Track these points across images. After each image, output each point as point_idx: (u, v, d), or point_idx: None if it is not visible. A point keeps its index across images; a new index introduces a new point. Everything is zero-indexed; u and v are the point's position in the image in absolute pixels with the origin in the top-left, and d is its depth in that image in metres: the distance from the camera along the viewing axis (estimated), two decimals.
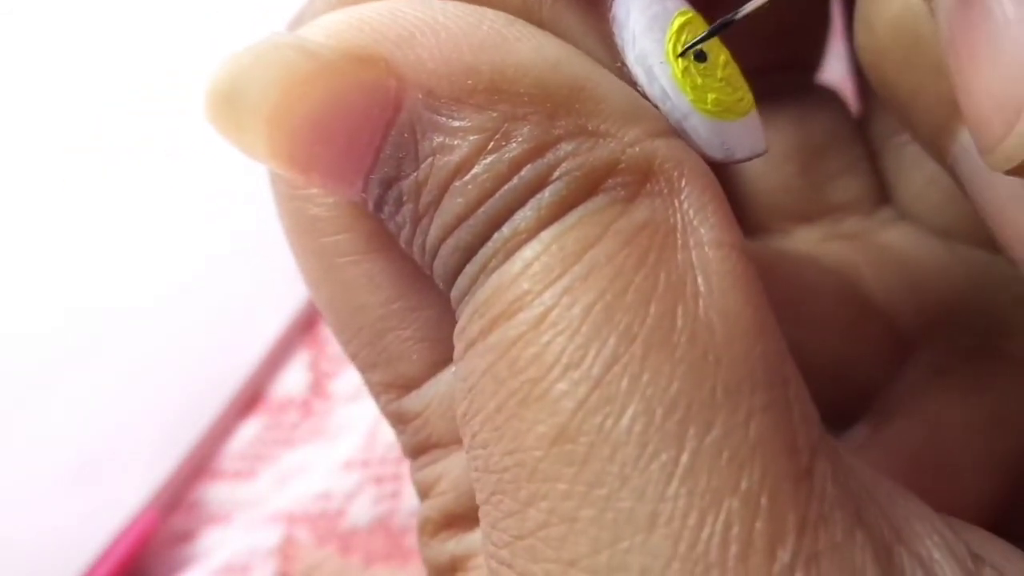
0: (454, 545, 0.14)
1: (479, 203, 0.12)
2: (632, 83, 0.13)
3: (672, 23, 0.13)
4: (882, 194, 0.20)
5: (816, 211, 0.20)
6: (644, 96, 0.13)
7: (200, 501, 0.26)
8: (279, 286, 0.29)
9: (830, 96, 0.21)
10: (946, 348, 0.18)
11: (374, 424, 0.27)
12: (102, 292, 0.29)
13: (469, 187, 0.11)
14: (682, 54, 0.13)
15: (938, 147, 0.13)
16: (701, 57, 0.13)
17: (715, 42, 0.13)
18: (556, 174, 0.11)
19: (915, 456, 0.16)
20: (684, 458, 0.10)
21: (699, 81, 0.13)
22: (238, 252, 0.30)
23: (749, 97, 0.13)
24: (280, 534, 0.25)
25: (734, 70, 0.13)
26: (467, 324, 0.12)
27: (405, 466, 0.27)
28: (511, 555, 0.11)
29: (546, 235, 0.11)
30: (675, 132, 0.13)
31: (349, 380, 0.29)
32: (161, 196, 0.31)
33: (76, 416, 0.27)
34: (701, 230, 0.11)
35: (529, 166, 0.11)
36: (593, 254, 0.11)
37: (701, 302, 0.11)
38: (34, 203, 0.32)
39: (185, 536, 0.26)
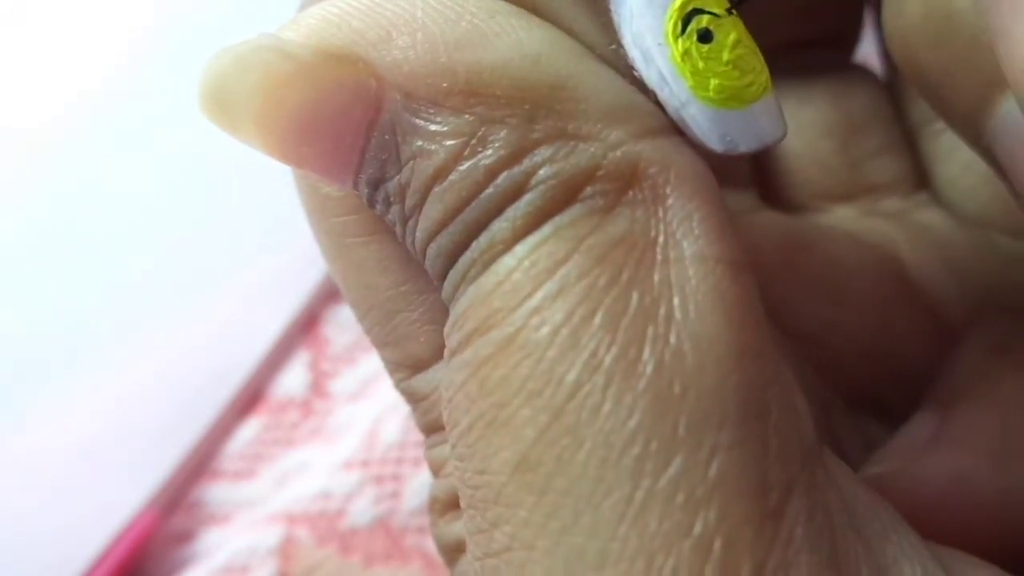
0: (460, 526, 0.14)
1: (457, 211, 0.11)
2: (629, 67, 0.12)
3: None
4: (921, 177, 0.19)
5: (854, 190, 0.19)
6: (641, 82, 0.12)
7: (200, 501, 0.26)
8: (279, 286, 0.29)
9: (867, 75, 0.20)
10: (998, 327, 0.17)
11: (374, 424, 0.27)
12: (102, 292, 0.29)
13: (447, 194, 0.11)
14: (684, 31, 0.12)
15: (973, 127, 0.13)
16: (706, 37, 0.12)
17: (727, 19, 0.12)
18: (533, 182, 0.11)
19: (995, 447, 0.15)
20: (638, 497, 0.10)
21: (701, 65, 0.12)
22: (238, 252, 0.30)
23: (762, 80, 0.12)
24: (280, 534, 0.25)
25: (746, 50, 0.12)
26: (449, 332, 0.12)
27: (405, 466, 0.27)
28: (481, 569, 0.11)
29: (520, 249, 0.11)
30: (667, 130, 0.12)
31: (349, 380, 0.29)
32: (160, 195, 0.31)
33: (76, 416, 0.27)
34: (684, 243, 0.11)
35: (505, 173, 0.11)
36: (565, 271, 0.11)
37: (674, 326, 0.10)
38: (33, 201, 0.31)
39: (185, 536, 0.26)
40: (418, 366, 0.14)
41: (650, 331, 0.10)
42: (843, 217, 0.19)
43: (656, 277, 0.11)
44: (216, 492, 0.27)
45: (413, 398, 0.15)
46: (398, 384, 0.15)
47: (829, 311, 0.17)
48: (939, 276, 0.18)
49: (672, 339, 0.10)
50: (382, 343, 0.14)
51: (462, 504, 0.12)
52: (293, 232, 0.30)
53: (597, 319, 0.10)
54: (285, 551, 0.25)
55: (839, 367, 0.17)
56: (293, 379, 0.29)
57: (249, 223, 0.31)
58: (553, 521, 0.10)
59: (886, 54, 0.20)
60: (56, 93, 0.34)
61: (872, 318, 0.17)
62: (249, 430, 0.28)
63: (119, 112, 0.33)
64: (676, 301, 0.10)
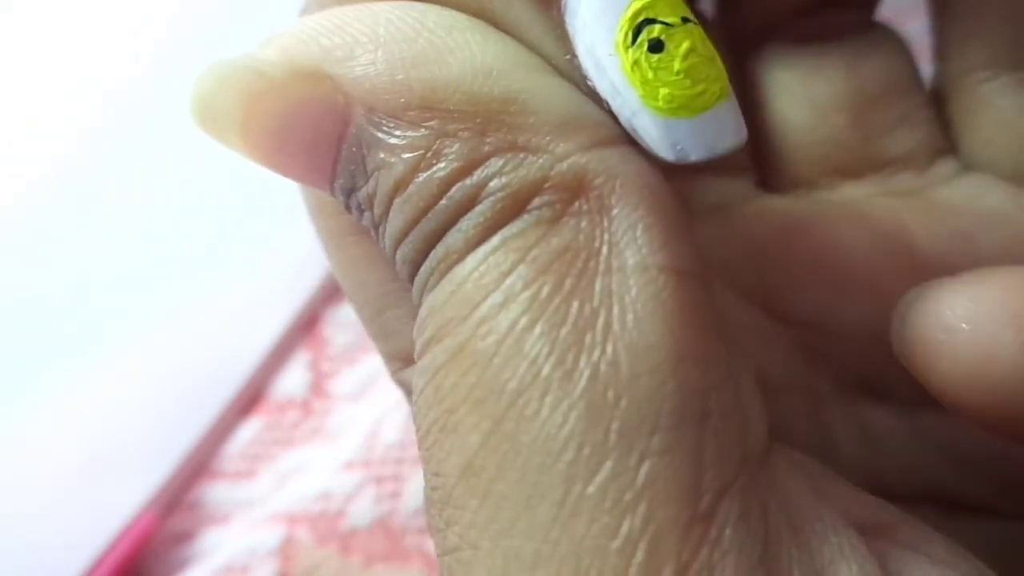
0: None
1: (415, 221, 0.12)
2: (584, 77, 0.12)
3: (627, 8, 0.12)
4: (939, 146, 0.19)
5: (866, 166, 0.19)
6: (595, 92, 0.12)
7: (200, 501, 0.26)
8: (279, 286, 0.29)
9: (888, 37, 0.19)
10: None
11: (374, 424, 0.27)
12: (102, 292, 0.29)
13: (406, 205, 0.12)
14: (634, 42, 0.12)
15: None
16: (657, 47, 0.12)
17: (681, 28, 0.12)
18: (483, 194, 0.11)
19: None
20: (569, 501, 0.10)
21: (650, 75, 0.12)
22: (238, 252, 0.30)
23: (715, 89, 0.12)
24: (280, 534, 0.25)
25: (700, 59, 0.12)
26: (415, 337, 0.12)
27: (405, 466, 0.27)
28: (441, 566, 0.12)
29: (471, 259, 0.11)
30: (618, 140, 0.12)
31: (349, 380, 0.29)
32: (161, 195, 0.31)
33: (76, 416, 0.27)
34: (627, 252, 0.11)
35: (458, 185, 0.11)
36: (510, 282, 0.11)
37: (611, 335, 0.11)
38: (34, 200, 0.31)
39: (185, 536, 0.26)
40: (408, 359, 0.15)
41: (588, 340, 0.11)
42: (852, 194, 0.18)
43: (597, 286, 0.11)
44: (216, 492, 0.27)
45: (406, 390, 0.15)
46: (393, 375, 0.15)
47: (827, 295, 0.17)
48: (953, 252, 0.17)
49: (608, 348, 0.11)
50: (375, 336, 0.15)
51: (427, 502, 0.12)
52: (293, 233, 0.30)
53: (538, 328, 0.11)
54: (285, 551, 0.25)
55: (838, 352, 0.17)
56: (293, 379, 0.29)
57: (249, 223, 0.31)
58: (494, 523, 0.11)
59: None
60: (62, 92, 0.34)
61: (874, 299, 0.17)
62: (249, 430, 0.28)
63: (123, 113, 0.33)
64: (615, 310, 0.11)
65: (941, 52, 0.19)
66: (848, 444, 0.16)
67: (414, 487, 0.26)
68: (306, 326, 0.29)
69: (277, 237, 0.30)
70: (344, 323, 0.29)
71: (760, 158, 0.19)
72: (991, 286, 0.12)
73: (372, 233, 0.13)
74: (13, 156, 0.33)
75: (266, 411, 0.28)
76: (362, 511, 0.26)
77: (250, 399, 0.28)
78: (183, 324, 0.29)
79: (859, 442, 0.16)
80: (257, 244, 0.30)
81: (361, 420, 0.27)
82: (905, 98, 0.19)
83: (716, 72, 0.12)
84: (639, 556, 0.10)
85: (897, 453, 0.16)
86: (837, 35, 0.19)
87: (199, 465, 0.27)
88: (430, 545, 0.25)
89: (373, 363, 0.29)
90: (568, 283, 0.11)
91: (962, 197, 0.18)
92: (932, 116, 0.19)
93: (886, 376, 0.17)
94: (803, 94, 0.19)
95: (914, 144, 0.19)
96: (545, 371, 0.11)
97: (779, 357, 0.17)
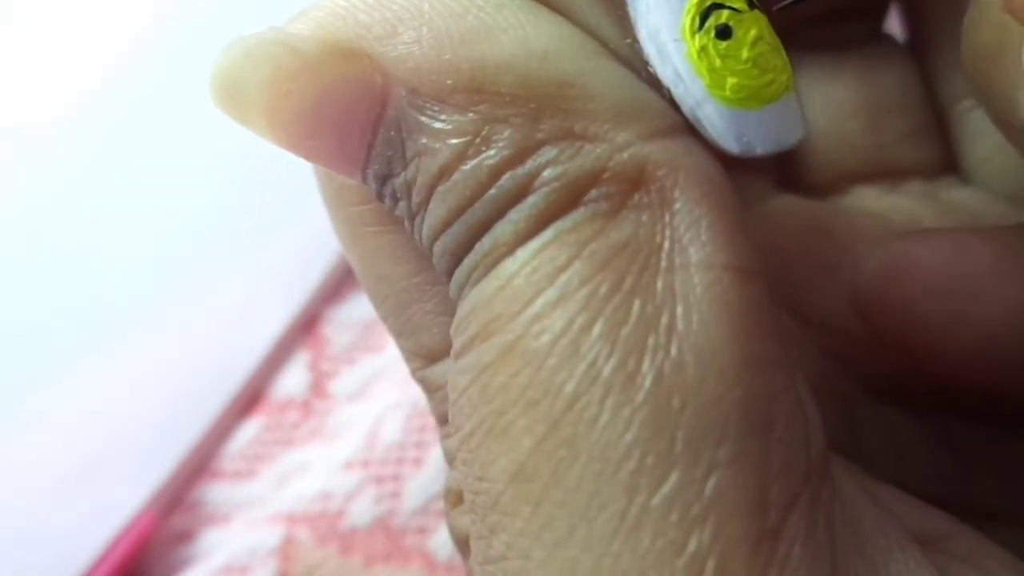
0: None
1: (460, 211, 0.11)
2: (644, 63, 0.11)
3: None
4: (946, 161, 0.19)
5: (878, 171, 0.18)
6: (656, 79, 0.11)
7: (200, 501, 0.26)
8: (279, 286, 0.29)
9: (898, 49, 0.19)
10: None
11: (374, 424, 0.27)
12: (102, 291, 0.29)
13: (450, 194, 0.11)
14: (702, 27, 0.11)
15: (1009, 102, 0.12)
16: (725, 34, 0.11)
17: (748, 14, 0.11)
18: (536, 184, 0.11)
19: None
20: (632, 513, 0.10)
21: (718, 63, 0.11)
22: (238, 252, 0.30)
23: (783, 80, 0.12)
24: (280, 534, 0.25)
25: (768, 48, 0.11)
26: (454, 333, 0.12)
27: (405, 466, 0.27)
28: (481, 575, 0.11)
29: (522, 253, 0.11)
30: (679, 130, 0.11)
31: (349, 380, 0.29)
32: (160, 194, 0.31)
33: (76, 416, 0.27)
34: (690, 249, 0.10)
35: (509, 174, 0.11)
36: (566, 278, 0.10)
37: (676, 336, 0.10)
38: (34, 200, 0.31)
39: (185, 536, 0.26)
40: (432, 356, 0.14)
41: (651, 341, 0.10)
42: (865, 196, 0.18)
43: (659, 285, 0.10)
44: (216, 492, 0.27)
45: (428, 387, 0.14)
46: (414, 373, 0.15)
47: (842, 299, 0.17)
48: None
49: (673, 350, 0.10)
50: (397, 332, 0.14)
51: (466, 507, 0.12)
52: (293, 232, 0.30)
53: (597, 328, 0.10)
54: (285, 551, 0.25)
55: (861, 356, 0.16)
56: (293, 379, 0.29)
57: (249, 223, 0.31)
58: (548, 532, 0.10)
59: (908, 23, 0.19)
60: (58, 90, 0.34)
61: None
62: (249, 430, 0.28)
63: (119, 113, 0.33)
64: (679, 310, 0.10)
65: (930, 81, 0.19)
66: (875, 449, 0.16)
67: (414, 487, 0.26)
68: (306, 326, 0.29)
69: (277, 237, 0.30)
70: (344, 323, 0.29)
71: (776, 161, 0.19)
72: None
73: (407, 223, 0.12)
74: (10, 153, 0.33)
75: (266, 411, 0.28)
76: (362, 511, 0.26)
77: (250, 399, 0.28)
78: (183, 324, 0.29)
79: (885, 447, 0.16)
80: (257, 244, 0.30)
81: (361, 420, 0.27)
82: (918, 109, 0.19)
83: (782, 62, 0.12)
84: (709, 572, 0.10)
85: (917, 457, 0.16)
86: (850, 45, 0.19)
87: (199, 465, 0.27)
88: (430, 545, 0.25)
89: (373, 363, 0.29)
90: (628, 280, 0.10)
91: (973, 201, 0.18)
92: (939, 131, 0.19)
93: (909, 383, 0.16)
94: (819, 100, 0.19)
95: (925, 154, 0.19)
96: (605, 373, 0.10)
97: (813, 360, 0.16)
